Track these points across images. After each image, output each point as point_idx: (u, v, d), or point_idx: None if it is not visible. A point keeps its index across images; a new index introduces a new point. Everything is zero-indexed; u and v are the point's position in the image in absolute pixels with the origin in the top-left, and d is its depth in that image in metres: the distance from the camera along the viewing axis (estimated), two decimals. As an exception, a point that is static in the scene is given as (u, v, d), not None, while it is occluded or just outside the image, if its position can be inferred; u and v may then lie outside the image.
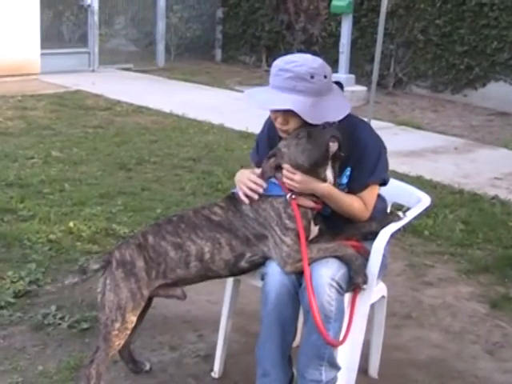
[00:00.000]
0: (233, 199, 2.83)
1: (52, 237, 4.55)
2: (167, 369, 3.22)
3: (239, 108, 8.18)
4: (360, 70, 11.63)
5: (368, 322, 2.89)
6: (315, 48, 11.57)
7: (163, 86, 11.42)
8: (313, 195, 2.75)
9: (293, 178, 2.72)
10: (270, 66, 2.92)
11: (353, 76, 10.69)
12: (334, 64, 10.86)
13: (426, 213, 4.96)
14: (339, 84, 2.90)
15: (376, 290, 2.92)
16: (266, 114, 2.94)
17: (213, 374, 3.19)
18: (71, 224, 4.74)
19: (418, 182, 5.84)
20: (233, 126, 8.15)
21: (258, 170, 2.81)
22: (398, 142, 8.02)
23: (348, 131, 2.78)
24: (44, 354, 3.28)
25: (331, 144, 2.65)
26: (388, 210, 3.13)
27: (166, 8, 14.07)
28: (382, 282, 3.08)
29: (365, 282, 2.71)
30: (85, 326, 3.50)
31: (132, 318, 2.72)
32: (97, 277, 3.69)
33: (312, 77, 2.68)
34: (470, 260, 4.62)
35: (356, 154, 2.79)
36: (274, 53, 12.39)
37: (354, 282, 2.69)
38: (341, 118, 2.75)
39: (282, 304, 2.67)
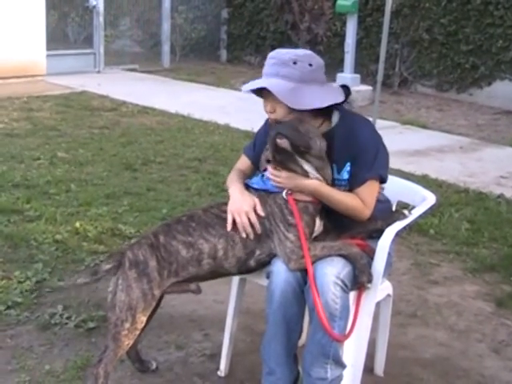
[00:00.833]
0: None
1: (58, 237, 4.56)
2: (173, 368, 3.23)
3: (245, 108, 8.21)
4: (365, 70, 11.63)
5: (373, 321, 2.89)
6: (320, 48, 11.57)
7: (168, 86, 11.43)
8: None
9: (276, 175, 2.76)
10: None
11: (358, 76, 10.69)
12: (339, 64, 10.89)
13: (432, 212, 4.97)
14: (346, 88, 2.89)
15: (381, 288, 2.92)
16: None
17: (219, 373, 3.20)
18: (77, 224, 4.76)
19: (424, 181, 5.84)
20: (238, 126, 8.16)
21: (258, 205, 2.78)
22: (404, 141, 8.03)
23: (348, 127, 2.82)
24: (51, 353, 3.30)
25: (278, 141, 2.67)
26: (393, 209, 3.13)
27: (171, 9, 14.10)
28: (388, 280, 3.09)
29: (369, 281, 2.71)
30: (91, 325, 3.52)
31: (142, 319, 2.72)
32: (103, 277, 3.71)
33: (295, 63, 2.75)
34: (475, 259, 4.62)
35: (355, 150, 2.79)
36: (279, 53, 12.36)
37: (358, 281, 2.70)
38: (321, 106, 2.75)
39: (287, 302, 2.67)
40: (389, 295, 3.12)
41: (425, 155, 7.44)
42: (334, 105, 2.83)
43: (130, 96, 9.93)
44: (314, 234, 2.78)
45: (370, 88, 10.51)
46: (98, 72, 12.62)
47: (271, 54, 2.84)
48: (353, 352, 2.80)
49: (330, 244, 2.72)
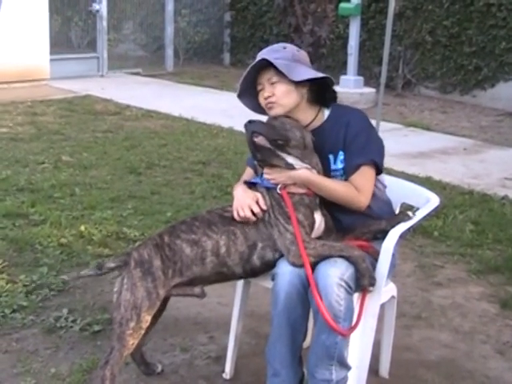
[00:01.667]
0: None
1: (63, 241, 4.58)
2: (178, 370, 3.24)
3: (248, 111, 8.18)
4: (368, 72, 11.64)
5: (378, 323, 2.89)
6: (323, 50, 11.57)
7: (172, 90, 11.46)
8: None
9: (268, 172, 2.83)
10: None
11: (361, 78, 10.70)
12: (342, 66, 10.91)
13: (436, 214, 4.97)
14: (329, 80, 2.94)
15: (386, 290, 2.93)
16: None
17: (224, 376, 3.21)
18: (82, 228, 4.77)
19: (428, 183, 5.84)
20: (242, 129, 8.12)
21: (259, 197, 2.84)
22: (407, 143, 8.03)
23: (339, 117, 2.89)
24: (56, 356, 3.30)
25: (255, 140, 2.74)
26: (397, 211, 3.13)
27: (175, 12, 14.13)
28: (392, 282, 3.09)
29: (372, 285, 2.70)
30: (97, 328, 3.52)
31: (147, 318, 2.74)
32: (108, 279, 3.73)
33: (284, 47, 2.92)
34: (479, 260, 4.62)
35: (346, 138, 2.85)
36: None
37: (360, 284, 2.70)
38: (316, 76, 2.85)
39: (292, 304, 2.68)
40: (393, 297, 3.12)
41: (428, 157, 7.44)
42: (326, 98, 2.93)
43: (133, 100, 9.95)
44: (317, 233, 2.79)
45: (373, 90, 10.52)
46: (102, 76, 12.65)
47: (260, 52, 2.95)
48: (358, 354, 2.80)
49: (331, 243, 2.73)
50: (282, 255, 2.75)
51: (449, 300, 4.08)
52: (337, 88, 3.00)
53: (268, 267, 2.79)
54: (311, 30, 11.15)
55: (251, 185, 2.92)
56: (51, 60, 11.63)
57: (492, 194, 6.00)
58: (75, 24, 13.48)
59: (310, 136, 2.85)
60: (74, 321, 3.59)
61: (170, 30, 14.09)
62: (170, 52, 14.08)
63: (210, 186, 6.00)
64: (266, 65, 2.83)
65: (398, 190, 3.14)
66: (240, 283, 3.13)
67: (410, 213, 2.92)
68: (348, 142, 2.84)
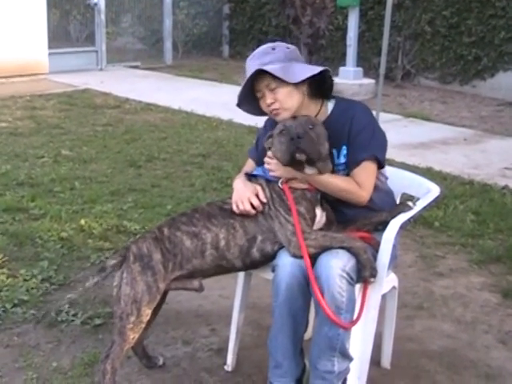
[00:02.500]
0: None
1: (63, 235, 4.57)
2: (180, 363, 3.24)
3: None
4: (368, 63, 11.62)
5: (380, 313, 2.89)
6: (322, 42, 11.56)
7: (171, 83, 11.44)
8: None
9: (269, 162, 2.82)
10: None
11: (361, 69, 10.68)
12: (341, 57, 10.88)
13: (437, 204, 4.96)
14: (327, 71, 2.90)
15: (387, 280, 2.92)
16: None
17: (226, 368, 3.21)
18: (82, 222, 4.77)
19: (428, 174, 5.83)
20: (242, 121, 8.15)
21: (259, 190, 2.84)
22: (408, 134, 8.02)
23: (343, 111, 2.87)
24: (58, 350, 3.30)
25: (298, 156, 2.70)
26: (397, 201, 3.13)
27: (173, 5, 14.10)
28: (393, 273, 3.09)
29: (373, 276, 2.69)
30: (98, 322, 3.52)
31: (147, 312, 2.73)
32: (111, 273, 3.71)
33: (273, 48, 2.85)
34: (481, 250, 4.61)
35: (350, 132, 2.83)
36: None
37: (361, 276, 2.70)
38: (313, 73, 2.80)
39: (293, 295, 2.67)
40: (394, 287, 3.12)
41: (429, 148, 7.43)
42: (329, 92, 2.90)
43: (132, 93, 9.94)
44: (318, 226, 2.79)
45: (372, 81, 10.50)
46: (101, 69, 12.63)
47: (248, 58, 2.89)
48: (359, 345, 2.80)
49: (332, 234, 2.72)
50: (281, 247, 2.75)
51: (450, 290, 4.08)
52: (336, 79, 2.99)
53: (267, 259, 2.79)
54: (310, 22, 11.14)
55: (251, 177, 2.92)
56: (50, 54, 11.62)
57: (492, 184, 5.99)
58: (73, 18, 13.46)
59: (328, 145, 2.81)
60: (75, 315, 3.59)
61: (168, 22, 14.06)
62: (168, 45, 14.06)
63: (210, 178, 5.99)
64: (261, 71, 2.79)
65: (398, 181, 3.14)
66: (241, 275, 3.13)
67: (410, 203, 2.92)
68: (352, 136, 2.83)
